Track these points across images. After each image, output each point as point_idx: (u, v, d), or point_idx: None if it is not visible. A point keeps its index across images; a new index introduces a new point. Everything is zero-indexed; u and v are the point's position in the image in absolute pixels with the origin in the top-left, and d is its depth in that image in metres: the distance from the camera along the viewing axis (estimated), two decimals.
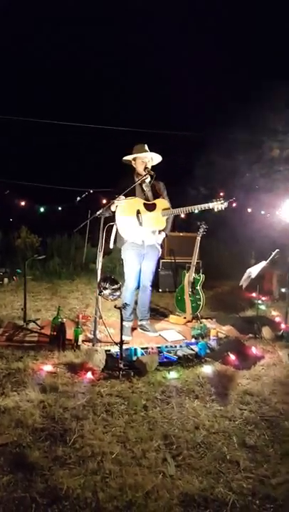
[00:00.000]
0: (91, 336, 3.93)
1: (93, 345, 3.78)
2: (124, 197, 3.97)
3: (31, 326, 4.34)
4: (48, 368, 3.31)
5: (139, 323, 4.48)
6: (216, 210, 4.07)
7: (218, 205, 4.03)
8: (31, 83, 11.54)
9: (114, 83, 12.62)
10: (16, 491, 1.98)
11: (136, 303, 4.52)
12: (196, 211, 4.21)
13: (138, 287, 4.42)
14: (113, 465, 2.20)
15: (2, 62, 10.26)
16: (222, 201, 4.02)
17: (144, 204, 4.15)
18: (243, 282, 4.53)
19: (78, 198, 6.35)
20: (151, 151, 4.17)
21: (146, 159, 4.14)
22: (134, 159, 4.18)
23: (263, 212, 9.05)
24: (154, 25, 11.35)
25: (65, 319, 4.05)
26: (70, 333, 3.88)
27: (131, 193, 4.05)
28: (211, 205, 4.05)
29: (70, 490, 2.00)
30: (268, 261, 4.34)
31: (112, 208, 3.99)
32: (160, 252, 4.41)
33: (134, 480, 2.09)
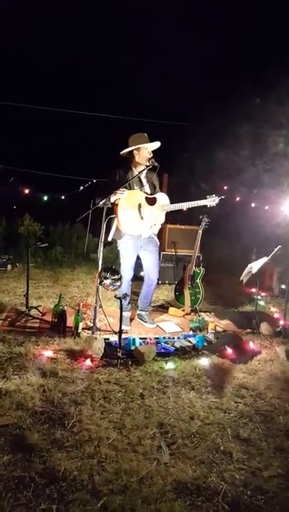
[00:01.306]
0: (91, 324, 3.97)
1: (93, 333, 3.83)
2: (126, 189, 3.97)
3: (33, 312, 4.39)
4: (48, 353, 3.37)
5: (138, 312, 4.52)
6: (208, 206, 4.21)
7: (210, 202, 4.17)
8: (31, 83, 11.50)
9: (114, 83, 12.56)
10: (15, 470, 2.04)
11: (135, 294, 4.55)
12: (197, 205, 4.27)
13: (139, 279, 4.44)
14: (109, 450, 2.26)
15: (2, 62, 10.23)
16: (214, 198, 4.15)
17: (146, 198, 4.13)
18: (244, 277, 4.55)
19: (81, 188, 6.35)
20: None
21: (150, 149, 4.07)
22: (138, 149, 4.07)
23: (266, 207, 9.03)
24: (154, 25, 11.28)
25: (65, 307, 4.10)
26: (70, 321, 3.92)
27: (129, 185, 4.03)
28: (204, 201, 4.19)
29: (68, 472, 2.06)
30: (269, 257, 4.36)
31: (112, 199, 3.95)
32: (158, 244, 4.40)
33: (130, 465, 2.15)
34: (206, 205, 4.24)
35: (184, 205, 4.24)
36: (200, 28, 11.26)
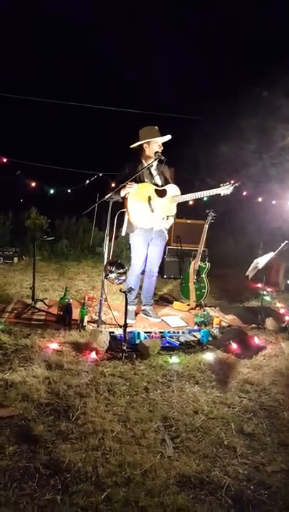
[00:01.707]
0: (96, 318, 3.99)
1: (98, 327, 3.84)
2: (135, 183, 3.96)
3: (39, 304, 4.42)
4: (54, 345, 3.39)
5: (143, 307, 4.52)
6: (222, 194, 4.09)
7: (224, 191, 4.05)
8: (31, 83, 11.48)
9: (115, 83, 12.48)
10: (20, 461, 2.07)
11: (140, 288, 4.56)
12: (205, 198, 4.21)
13: (143, 272, 4.44)
14: (113, 442, 2.27)
15: (2, 62, 10.19)
16: (228, 186, 4.03)
17: (155, 190, 4.12)
18: (250, 272, 4.54)
19: (87, 181, 6.35)
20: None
21: (159, 142, 4.05)
22: (148, 143, 4.05)
23: (273, 202, 8.98)
24: (154, 25, 11.14)
25: (71, 300, 4.11)
26: (76, 314, 3.95)
27: (139, 177, 4.03)
28: (218, 190, 4.07)
29: (72, 463, 2.08)
30: (276, 252, 4.34)
31: (122, 194, 3.96)
32: (167, 238, 4.40)
33: (133, 458, 2.16)
34: (214, 199, 4.18)
35: (197, 195, 4.13)
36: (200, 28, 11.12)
